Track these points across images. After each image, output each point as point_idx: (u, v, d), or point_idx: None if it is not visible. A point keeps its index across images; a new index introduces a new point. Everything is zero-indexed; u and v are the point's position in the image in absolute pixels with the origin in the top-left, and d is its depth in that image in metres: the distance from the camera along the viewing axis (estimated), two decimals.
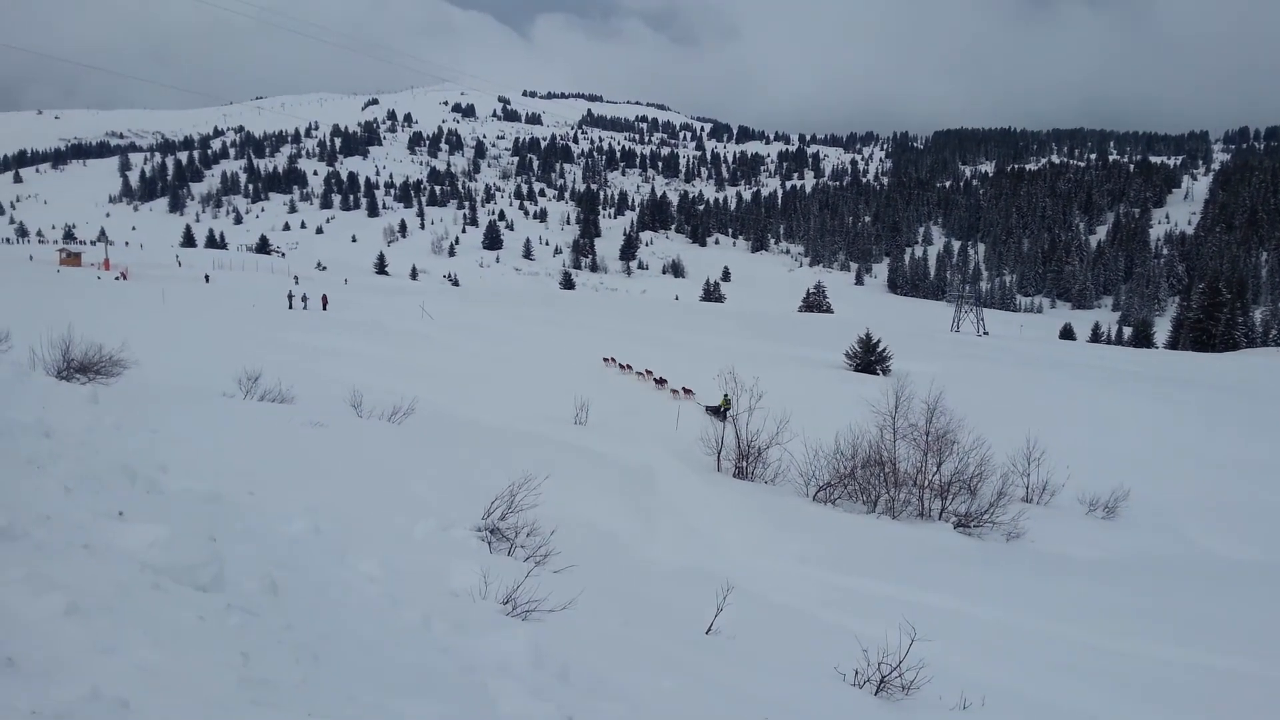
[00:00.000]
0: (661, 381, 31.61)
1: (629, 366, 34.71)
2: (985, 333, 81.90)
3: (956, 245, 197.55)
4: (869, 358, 38.23)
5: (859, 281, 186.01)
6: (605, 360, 36.09)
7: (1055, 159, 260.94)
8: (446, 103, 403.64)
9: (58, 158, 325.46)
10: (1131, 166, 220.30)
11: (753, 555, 13.64)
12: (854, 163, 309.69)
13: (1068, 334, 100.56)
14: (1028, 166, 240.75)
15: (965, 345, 55.98)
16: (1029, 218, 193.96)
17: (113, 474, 6.37)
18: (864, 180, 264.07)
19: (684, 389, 29.99)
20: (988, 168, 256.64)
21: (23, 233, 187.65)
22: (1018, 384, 35.83)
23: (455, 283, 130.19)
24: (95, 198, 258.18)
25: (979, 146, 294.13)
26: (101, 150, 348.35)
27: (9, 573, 3.41)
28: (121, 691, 2.84)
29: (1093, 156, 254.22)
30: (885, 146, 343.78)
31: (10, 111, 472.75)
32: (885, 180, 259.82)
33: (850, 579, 12.72)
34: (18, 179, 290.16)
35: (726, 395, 23.44)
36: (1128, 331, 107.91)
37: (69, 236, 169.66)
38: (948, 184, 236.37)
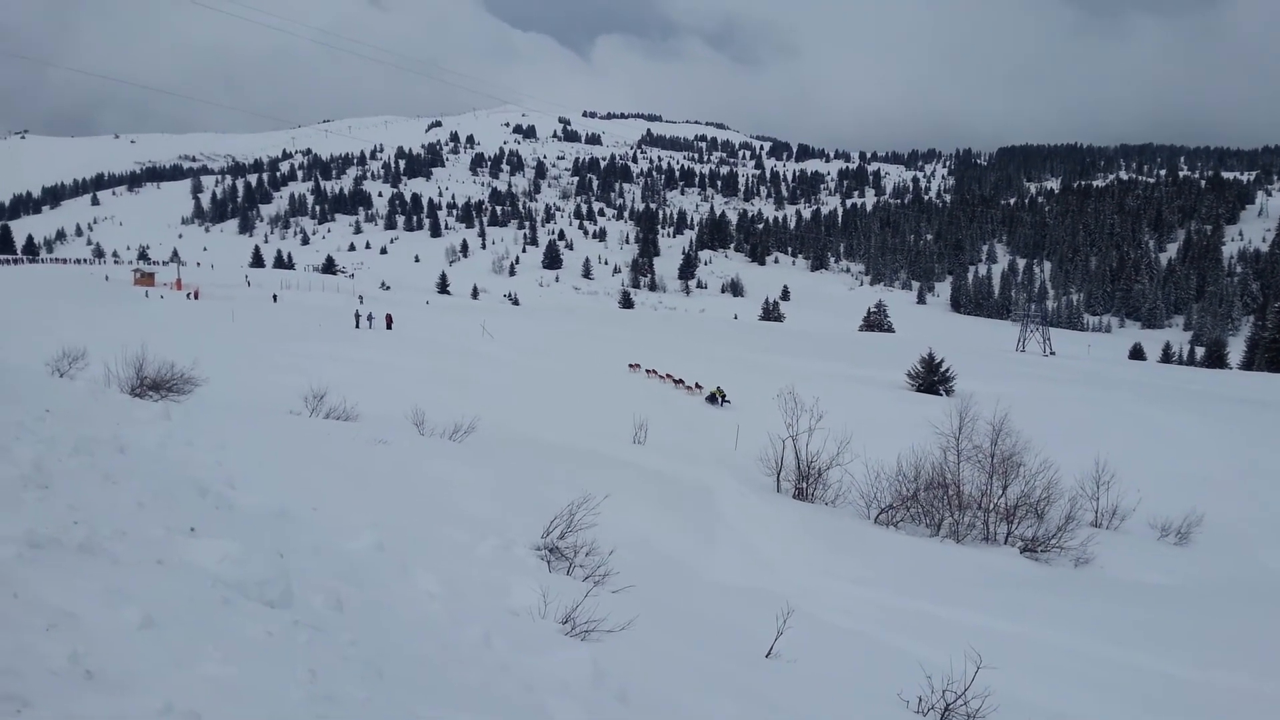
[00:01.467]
0: (679, 382, 35.87)
1: (654, 371, 38.22)
2: (1052, 352, 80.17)
3: (1021, 263, 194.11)
4: (932, 378, 37.66)
5: (921, 300, 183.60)
6: (631, 366, 39.26)
7: (1123, 175, 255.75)
8: (508, 124, 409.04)
9: (133, 180, 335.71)
10: (1203, 182, 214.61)
11: (813, 577, 13.49)
12: (916, 180, 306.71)
13: (1138, 354, 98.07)
14: (1095, 183, 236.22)
15: (1031, 365, 54.88)
16: (1096, 235, 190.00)
17: (184, 490, 6.53)
18: (926, 197, 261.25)
19: (695, 384, 34.85)
20: (1053, 184, 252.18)
21: (99, 253, 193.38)
22: (1085, 405, 35.01)
23: (515, 302, 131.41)
24: (168, 219, 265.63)
25: (1044, 163, 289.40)
26: (175, 173, 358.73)
27: (87, 586, 3.51)
28: (194, 705, 2.90)
29: (1162, 172, 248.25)
30: (948, 163, 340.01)
31: (88, 136, 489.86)
32: (948, 197, 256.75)
33: (913, 603, 12.52)
34: (95, 201, 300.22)
35: (719, 387, 32.76)
36: (1200, 351, 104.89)
37: (143, 257, 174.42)
38: (1012, 201, 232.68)
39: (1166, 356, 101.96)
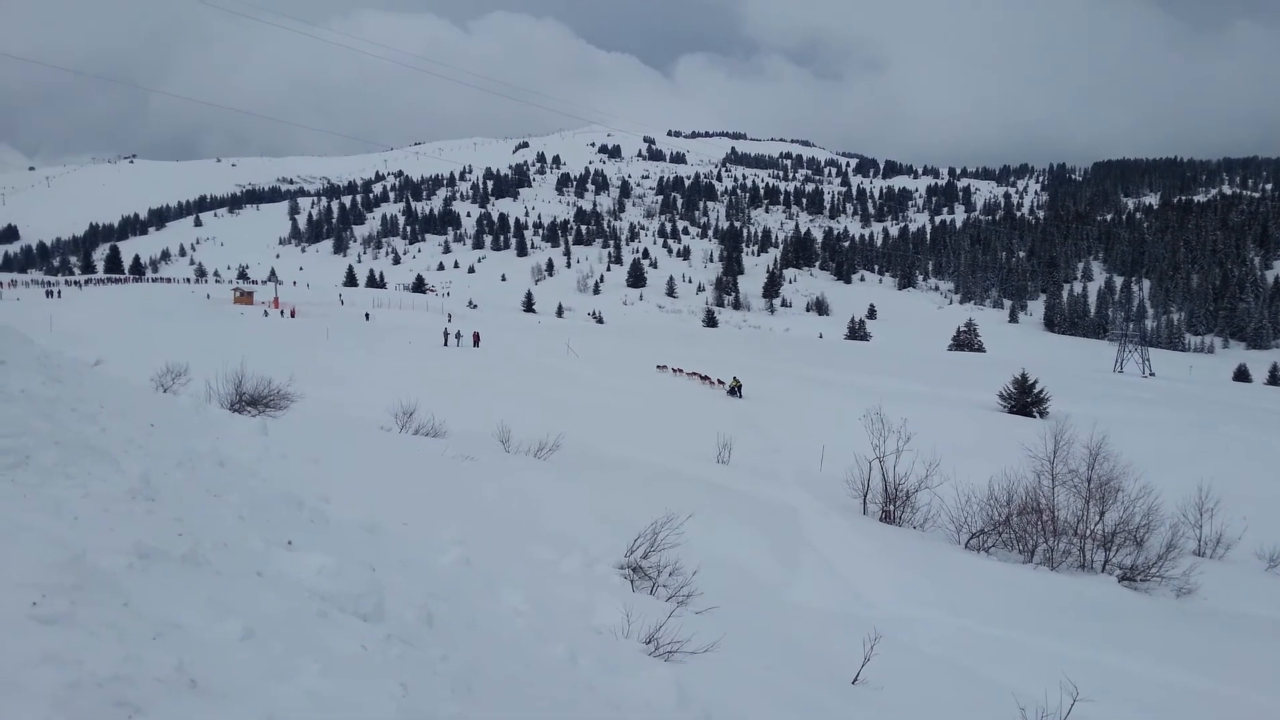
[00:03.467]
0: (705, 378, 40.50)
1: (680, 369, 42.91)
2: (1151, 373, 77.47)
3: (1119, 281, 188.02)
4: (1025, 399, 36.77)
5: (1013, 319, 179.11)
6: (659, 367, 43.97)
7: (1226, 189, 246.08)
8: (593, 144, 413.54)
9: (233, 202, 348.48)
10: None
11: (901, 603, 13.22)
12: (1007, 196, 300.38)
13: (1242, 375, 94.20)
14: (1196, 198, 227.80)
15: (1129, 386, 53.21)
16: (1198, 252, 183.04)
17: (281, 503, 6.70)
18: (1018, 214, 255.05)
19: (718, 380, 39.53)
20: (1152, 200, 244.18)
21: (201, 273, 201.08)
22: (1187, 428, 33.76)
23: (600, 320, 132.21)
24: (267, 240, 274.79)
25: (1143, 177, 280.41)
26: (273, 195, 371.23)
27: (192, 596, 3.63)
28: (293, 717, 2.98)
29: (1268, 187, 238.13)
30: (1041, 179, 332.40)
31: (193, 160, 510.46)
32: (1041, 214, 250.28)
33: (1006, 632, 12.17)
34: (198, 223, 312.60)
35: (735, 378, 38.01)
36: None
37: (242, 276, 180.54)
38: (1109, 217, 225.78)
39: (1274, 379, 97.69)
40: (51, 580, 3.10)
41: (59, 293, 70.73)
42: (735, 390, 37.32)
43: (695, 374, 41.33)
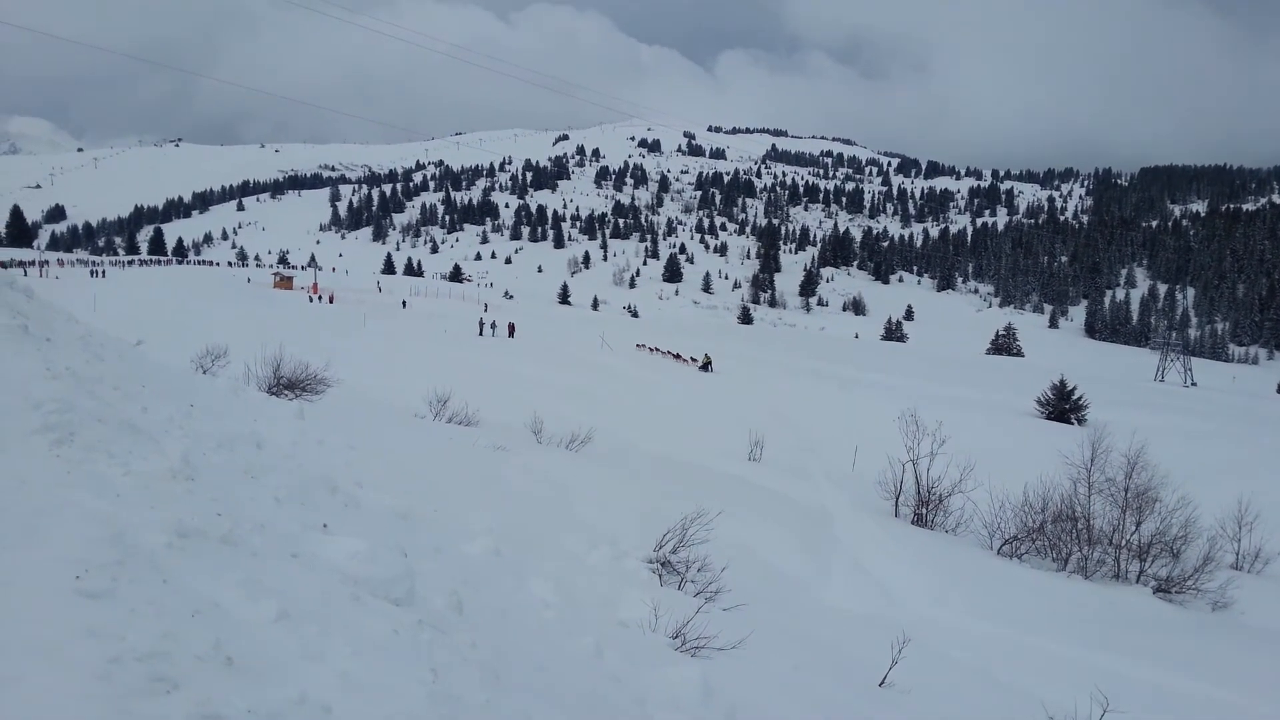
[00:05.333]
0: (678, 356, 44.55)
1: (656, 348, 46.73)
2: (1193, 383, 76.24)
3: (1163, 289, 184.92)
4: (1063, 405, 36.32)
5: (1053, 324, 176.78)
6: (637, 346, 47.42)
7: (1277, 198, 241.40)
8: (633, 138, 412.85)
9: (276, 188, 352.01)
10: None
11: (931, 606, 13.13)
12: (1051, 200, 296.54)
13: None
14: (1245, 206, 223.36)
15: (1170, 396, 52.40)
16: (1245, 261, 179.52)
17: (316, 487, 6.78)
18: (1062, 218, 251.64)
19: (691, 358, 43.51)
20: (1199, 207, 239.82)
21: (243, 257, 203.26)
22: (1229, 440, 33.18)
23: (635, 314, 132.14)
24: (307, 226, 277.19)
25: (1190, 184, 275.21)
26: (315, 182, 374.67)
27: (229, 576, 3.69)
28: (326, 698, 3.02)
29: None
30: (1086, 183, 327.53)
31: (236, 145, 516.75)
32: (1085, 219, 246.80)
33: (1036, 639, 12.06)
34: (240, 207, 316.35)
35: (706, 355, 42.33)
36: None
37: (283, 261, 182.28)
38: (1154, 223, 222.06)
39: None
40: (94, 556, 3.16)
41: (103, 273, 71.84)
42: (706, 366, 41.47)
43: (669, 352, 45.73)
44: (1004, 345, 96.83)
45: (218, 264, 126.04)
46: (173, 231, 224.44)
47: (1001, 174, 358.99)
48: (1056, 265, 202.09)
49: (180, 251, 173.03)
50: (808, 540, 15.63)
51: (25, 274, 56.20)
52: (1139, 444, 17.59)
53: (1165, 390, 60.30)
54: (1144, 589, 15.99)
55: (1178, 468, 18.36)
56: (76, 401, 5.12)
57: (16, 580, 2.88)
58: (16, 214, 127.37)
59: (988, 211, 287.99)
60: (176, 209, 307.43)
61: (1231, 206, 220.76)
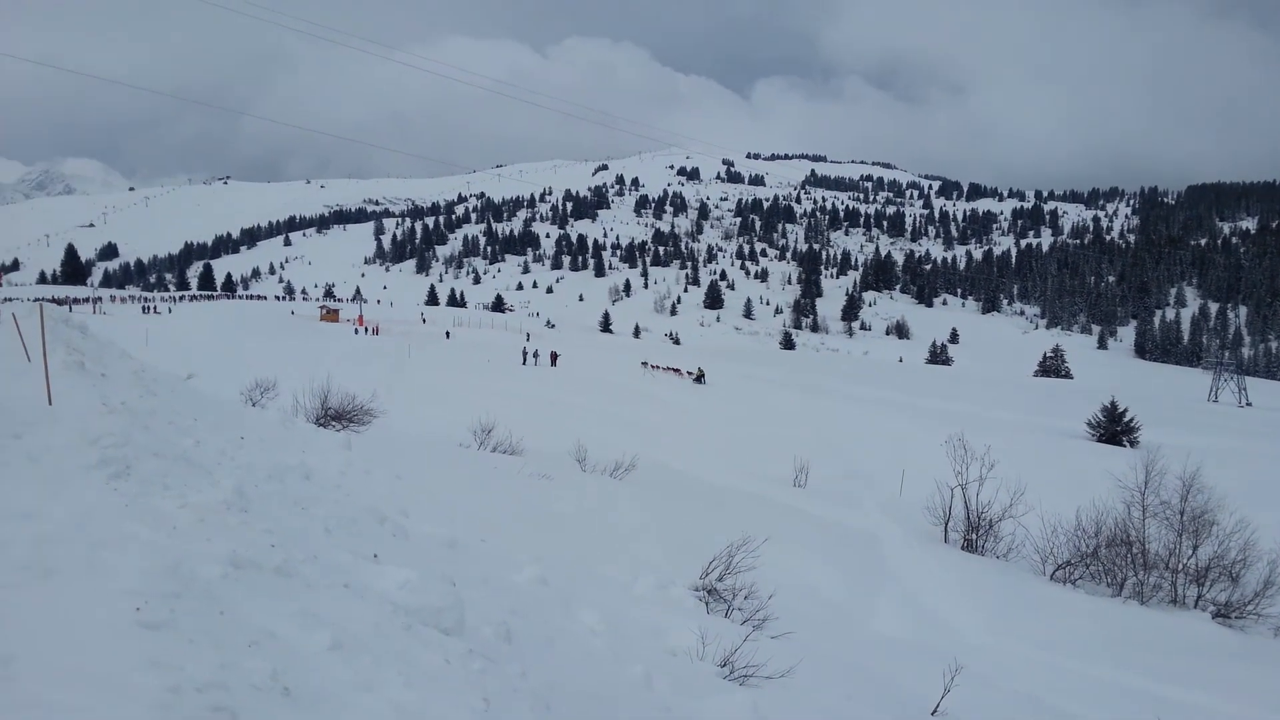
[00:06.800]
0: (676, 370, 48.29)
1: (658, 365, 49.95)
2: (1248, 403, 74.41)
3: (1214, 308, 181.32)
4: (1114, 427, 35.64)
5: (1102, 345, 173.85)
6: (642, 364, 50.22)
7: None
8: (672, 166, 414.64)
9: (321, 223, 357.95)
10: None
11: (982, 634, 12.91)
12: (1096, 219, 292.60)
13: None
14: None
15: (1225, 416, 51.25)
16: None
17: (365, 517, 6.85)
18: (1108, 238, 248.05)
19: (685, 370, 47.62)
20: (1249, 224, 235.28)
21: (290, 291, 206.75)
22: None
23: (677, 341, 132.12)
24: (352, 259, 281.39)
25: (1239, 201, 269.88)
26: (359, 216, 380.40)
27: (284, 607, 3.74)
28: None
29: None
30: (1131, 202, 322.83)
31: (283, 182, 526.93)
32: (1132, 238, 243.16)
33: (1092, 667, 11.80)
34: (287, 242, 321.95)
35: (699, 368, 47.00)
36: None
37: (328, 294, 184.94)
38: (1203, 242, 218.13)
39: None
40: (153, 587, 3.22)
41: (154, 308, 73.38)
42: (700, 378, 45.52)
43: (670, 368, 49.25)
44: (1052, 367, 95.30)
45: (266, 298, 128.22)
46: (222, 267, 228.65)
47: (1045, 194, 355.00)
48: (1104, 285, 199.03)
49: (229, 286, 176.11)
50: (856, 567, 15.46)
51: (70, 310, 57.55)
52: (1194, 466, 17.22)
53: (1219, 410, 59.00)
54: (1202, 614, 15.60)
55: (1234, 489, 17.94)
56: (132, 435, 5.23)
57: (80, 612, 2.94)
58: (71, 253, 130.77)
59: (1031, 232, 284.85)
60: (225, 245, 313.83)
61: None
